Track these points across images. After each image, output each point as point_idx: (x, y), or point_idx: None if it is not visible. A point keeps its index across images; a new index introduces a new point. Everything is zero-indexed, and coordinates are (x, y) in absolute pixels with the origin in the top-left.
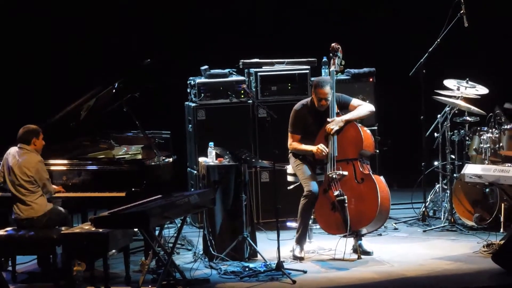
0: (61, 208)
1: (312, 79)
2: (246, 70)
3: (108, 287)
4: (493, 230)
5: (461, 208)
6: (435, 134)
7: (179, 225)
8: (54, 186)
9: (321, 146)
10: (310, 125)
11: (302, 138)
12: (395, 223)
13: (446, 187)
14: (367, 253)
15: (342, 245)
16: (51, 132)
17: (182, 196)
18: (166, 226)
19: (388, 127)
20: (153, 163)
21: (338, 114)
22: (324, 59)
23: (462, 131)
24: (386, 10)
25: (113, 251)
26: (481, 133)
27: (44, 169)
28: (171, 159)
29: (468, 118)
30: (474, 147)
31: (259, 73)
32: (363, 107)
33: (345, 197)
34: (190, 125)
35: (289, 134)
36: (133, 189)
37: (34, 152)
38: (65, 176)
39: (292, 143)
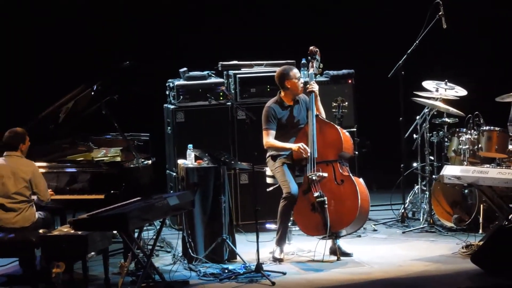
0: (43, 215)
1: None
2: (225, 72)
3: None
4: (472, 231)
5: (440, 209)
6: (414, 136)
7: (158, 227)
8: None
9: (303, 145)
10: (282, 120)
11: (276, 135)
12: (375, 225)
13: (425, 188)
14: (347, 255)
15: (321, 246)
16: (30, 135)
17: (161, 198)
18: (145, 228)
19: (367, 129)
20: (132, 166)
21: (317, 117)
22: (303, 60)
23: (441, 132)
24: (365, 12)
25: (92, 253)
26: (459, 134)
27: (41, 175)
28: (150, 162)
29: (446, 119)
30: (453, 149)
31: (238, 75)
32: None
33: (325, 198)
34: (169, 127)
35: (264, 132)
36: (112, 192)
37: (24, 157)
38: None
39: (268, 140)
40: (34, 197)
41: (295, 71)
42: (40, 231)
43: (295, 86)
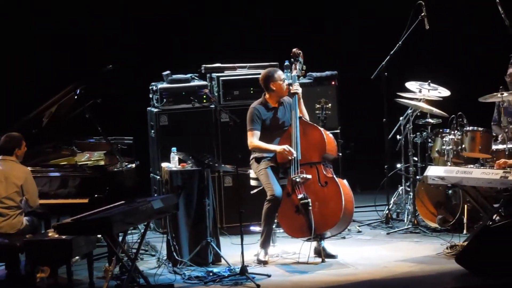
0: (30, 221)
1: None
2: (208, 75)
3: None
4: (456, 232)
5: (424, 210)
6: (398, 137)
7: (142, 230)
8: None
9: (288, 147)
10: (267, 122)
11: (260, 136)
12: (359, 226)
13: (409, 189)
14: (332, 256)
15: (306, 248)
16: None
17: (145, 202)
18: (129, 231)
19: (351, 130)
20: (115, 169)
21: (300, 119)
22: (286, 62)
23: (425, 133)
24: (348, 13)
25: (77, 257)
26: (443, 135)
27: (34, 181)
28: (134, 165)
29: (430, 120)
30: (436, 149)
31: (221, 78)
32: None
33: (309, 200)
34: (152, 131)
35: (248, 133)
36: (96, 195)
37: (19, 163)
38: None
39: (253, 141)
40: (22, 199)
41: (279, 73)
42: (26, 236)
43: (280, 88)
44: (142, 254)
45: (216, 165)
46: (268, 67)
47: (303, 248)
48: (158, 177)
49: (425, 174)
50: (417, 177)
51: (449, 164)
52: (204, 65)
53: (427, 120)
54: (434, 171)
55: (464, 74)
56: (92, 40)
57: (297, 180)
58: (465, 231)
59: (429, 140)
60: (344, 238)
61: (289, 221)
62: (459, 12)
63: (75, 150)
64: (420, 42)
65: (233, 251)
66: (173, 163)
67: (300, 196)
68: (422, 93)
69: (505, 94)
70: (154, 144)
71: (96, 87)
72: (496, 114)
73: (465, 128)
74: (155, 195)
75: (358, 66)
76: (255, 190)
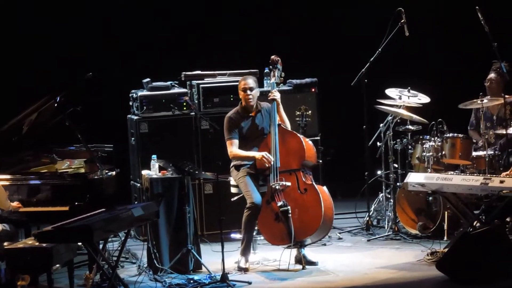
0: (7, 227)
1: None
2: (188, 82)
3: None
4: (436, 238)
5: (404, 216)
6: (378, 143)
7: (123, 238)
8: (13, 203)
9: (267, 154)
10: (244, 130)
11: (238, 144)
12: (339, 233)
13: (389, 196)
14: (312, 263)
15: (286, 255)
16: None
17: (126, 209)
18: (110, 239)
19: (331, 137)
20: (96, 177)
21: (279, 126)
22: (266, 69)
23: (405, 140)
24: (327, 20)
25: (57, 265)
26: (423, 141)
27: None
28: (114, 173)
29: (410, 127)
30: (416, 156)
31: (201, 85)
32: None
33: (289, 207)
34: (133, 138)
35: (227, 142)
36: (76, 203)
37: None
38: (8, 191)
39: (232, 150)
40: None
41: (243, 82)
42: (5, 244)
43: (242, 97)
44: (122, 261)
45: (197, 172)
46: (248, 74)
47: (284, 255)
48: (139, 184)
49: (405, 180)
50: (398, 184)
51: (430, 171)
52: (184, 73)
53: (407, 126)
54: (414, 178)
55: (444, 81)
56: (72, 47)
57: (277, 187)
58: (445, 238)
59: (409, 147)
60: (324, 245)
61: (269, 228)
62: (439, 18)
63: (55, 157)
64: (400, 49)
65: (213, 258)
66: (153, 171)
67: (279, 203)
68: (402, 99)
69: (485, 100)
70: (134, 152)
71: (76, 94)
72: (473, 119)
73: (445, 135)
74: (136, 202)
75: (338, 73)
76: (235, 198)
